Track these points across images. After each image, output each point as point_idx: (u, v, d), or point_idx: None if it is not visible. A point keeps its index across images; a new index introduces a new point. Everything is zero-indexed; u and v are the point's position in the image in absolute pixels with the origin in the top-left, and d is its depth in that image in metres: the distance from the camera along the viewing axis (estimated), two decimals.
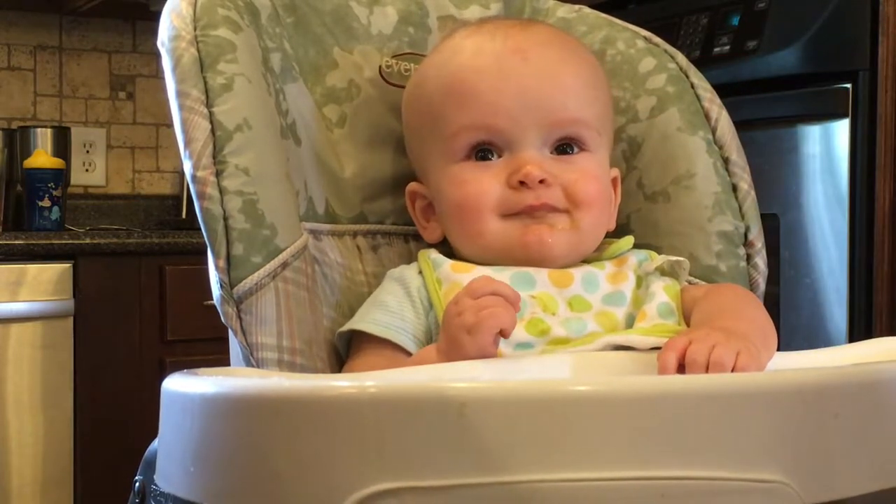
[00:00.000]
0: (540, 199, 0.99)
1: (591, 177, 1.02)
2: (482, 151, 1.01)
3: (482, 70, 1.01)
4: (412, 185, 1.08)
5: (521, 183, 0.99)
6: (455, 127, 1.01)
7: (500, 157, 1.01)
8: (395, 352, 0.96)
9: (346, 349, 1.00)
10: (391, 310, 0.98)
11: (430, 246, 1.07)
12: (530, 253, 0.99)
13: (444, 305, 0.96)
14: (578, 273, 1.00)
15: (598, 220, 1.03)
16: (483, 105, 1.00)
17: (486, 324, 0.85)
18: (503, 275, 0.97)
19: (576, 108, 1.02)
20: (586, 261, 1.03)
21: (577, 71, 1.04)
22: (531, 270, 0.98)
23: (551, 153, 1.02)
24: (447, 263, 1.00)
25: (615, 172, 1.09)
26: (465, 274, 0.98)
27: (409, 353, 0.96)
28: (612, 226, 1.08)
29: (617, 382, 0.60)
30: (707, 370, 0.81)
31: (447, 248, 1.05)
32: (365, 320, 0.98)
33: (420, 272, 1.01)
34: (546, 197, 0.99)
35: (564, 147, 1.02)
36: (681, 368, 0.83)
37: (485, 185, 1.00)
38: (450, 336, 0.87)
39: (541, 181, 0.99)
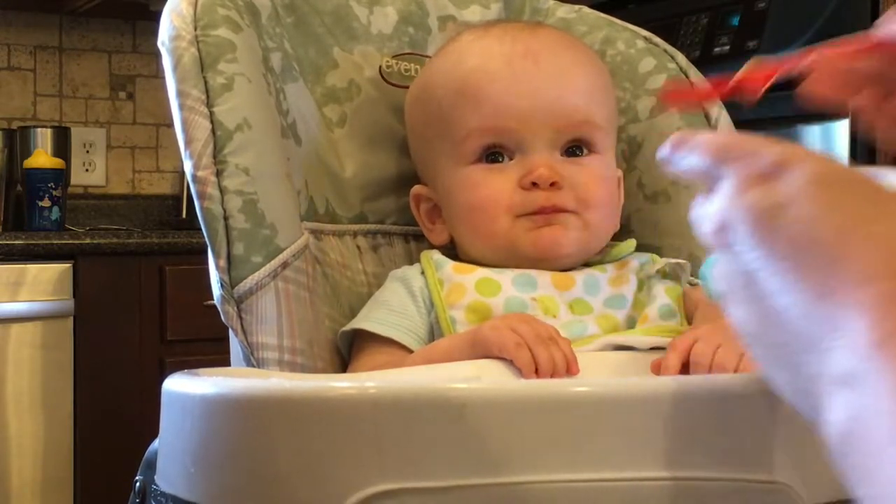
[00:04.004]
0: (550, 201, 0.99)
1: (601, 179, 1.03)
2: (493, 154, 1.01)
3: (493, 73, 1.01)
4: (417, 188, 1.08)
5: (534, 184, 0.99)
6: (466, 130, 1.01)
7: (510, 159, 1.01)
8: (399, 350, 0.96)
9: (347, 349, 1.00)
10: (395, 309, 0.98)
11: (432, 247, 1.07)
12: (543, 253, 0.99)
13: (445, 306, 0.96)
14: (580, 276, 1.00)
15: (606, 220, 1.04)
16: (495, 108, 1.00)
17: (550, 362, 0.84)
18: (505, 276, 0.97)
19: (586, 110, 1.02)
20: (588, 264, 1.03)
21: (586, 73, 1.04)
22: (533, 272, 0.98)
23: (561, 155, 1.02)
24: (449, 264, 1.00)
25: (618, 173, 1.10)
26: (467, 275, 0.98)
27: (412, 352, 0.96)
28: (617, 226, 1.08)
29: (617, 384, 0.60)
30: (710, 372, 0.81)
31: (449, 250, 1.05)
32: (369, 319, 0.98)
33: (422, 272, 1.01)
34: (556, 199, 0.99)
35: (574, 149, 1.02)
36: (684, 368, 0.83)
37: (497, 187, 1.00)
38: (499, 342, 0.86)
39: (552, 183, 0.99)
